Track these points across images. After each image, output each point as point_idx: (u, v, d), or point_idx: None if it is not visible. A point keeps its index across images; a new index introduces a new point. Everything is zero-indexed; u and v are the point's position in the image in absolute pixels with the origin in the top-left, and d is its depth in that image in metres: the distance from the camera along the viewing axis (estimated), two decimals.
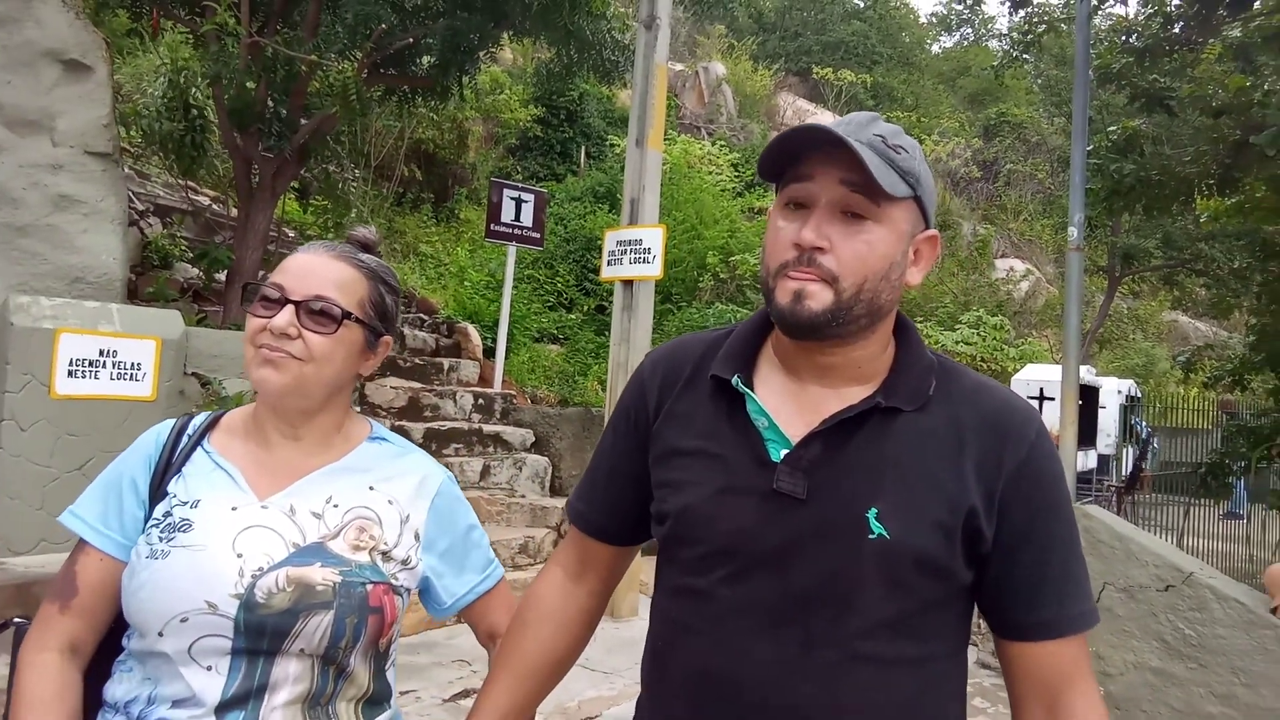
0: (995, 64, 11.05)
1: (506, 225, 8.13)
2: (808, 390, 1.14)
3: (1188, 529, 8.57)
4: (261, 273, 6.49)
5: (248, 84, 6.08)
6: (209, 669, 1.16)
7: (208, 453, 1.30)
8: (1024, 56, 10.31)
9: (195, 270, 6.98)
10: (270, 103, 6.37)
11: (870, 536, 1.03)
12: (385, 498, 1.31)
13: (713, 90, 18.78)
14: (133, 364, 4.63)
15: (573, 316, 10.60)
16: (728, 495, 1.10)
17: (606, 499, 1.30)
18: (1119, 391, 11.68)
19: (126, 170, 6.54)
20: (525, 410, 7.59)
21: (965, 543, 1.06)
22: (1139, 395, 12.34)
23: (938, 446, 1.08)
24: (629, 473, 1.25)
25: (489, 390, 7.64)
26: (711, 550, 1.10)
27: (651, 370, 1.25)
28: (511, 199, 8.23)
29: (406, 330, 8.17)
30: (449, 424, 7.00)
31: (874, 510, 1.04)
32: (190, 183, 8.00)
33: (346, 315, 1.26)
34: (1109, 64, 7.03)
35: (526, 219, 8.26)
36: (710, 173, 13.44)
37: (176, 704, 1.16)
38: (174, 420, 1.35)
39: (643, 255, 5.66)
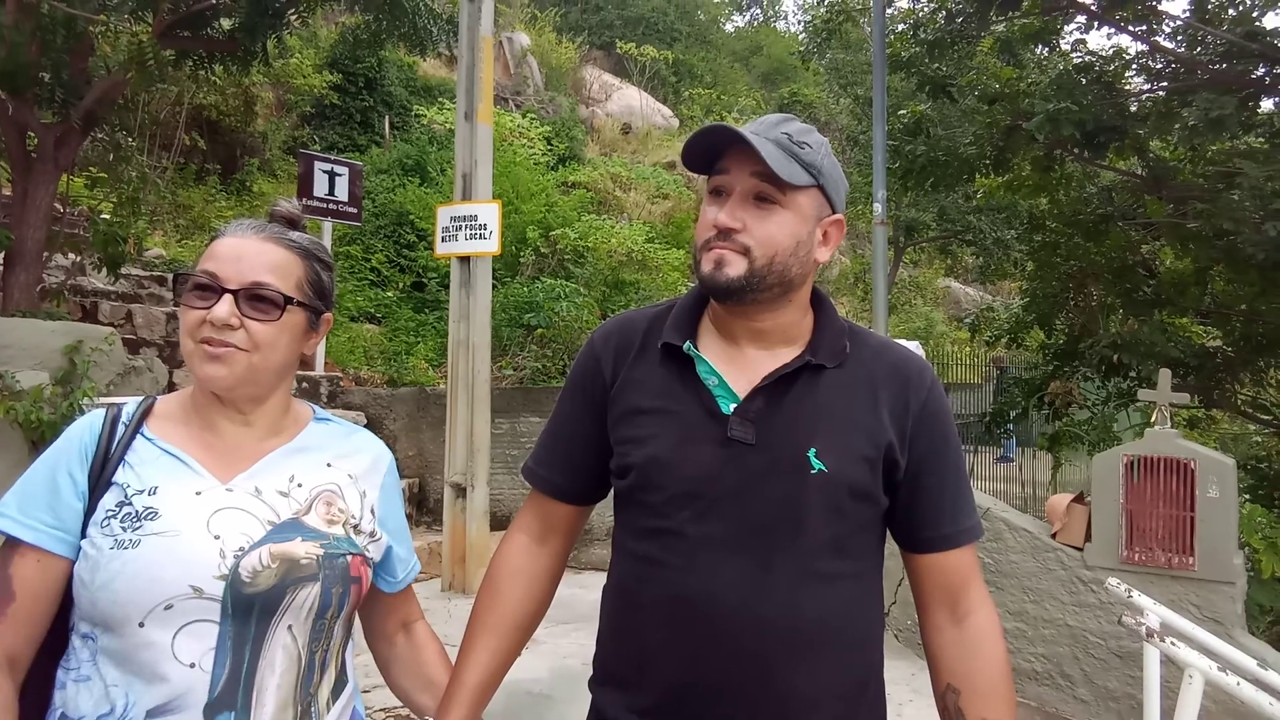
0: (801, 50, 11.73)
1: (320, 200, 7.74)
2: (745, 352, 1.31)
3: (973, 473, 9.63)
4: (80, 259, 5.81)
5: (18, 43, 5.41)
6: (192, 666, 1.12)
7: (150, 440, 1.24)
8: (826, 45, 11.01)
9: None
10: (48, 66, 5.71)
11: (813, 472, 1.22)
12: (345, 473, 1.32)
13: (518, 61, 18.52)
14: None
15: (389, 294, 10.25)
16: (687, 445, 1.25)
17: (568, 462, 1.41)
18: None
19: None
20: (354, 393, 7.33)
21: (885, 472, 1.27)
22: (922, 354, 13.59)
23: (858, 395, 1.28)
24: (588, 436, 1.37)
25: (311, 373, 7.31)
26: (676, 494, 1.25)
27: (604, 342, 1.39)
28: (324, 172, 7.84)
29: None
30: None
31: (813, 450, 1.22)
32: None
33: (288, 300, 1.23)
34: (899, 53, 7.67)
35: (341, 193, 7.91)
36: (524, 145, 13.33)
37: (159, 710, 1.11)
38: (102, 410, 1.26)
39: (479, 231, 5.61)
